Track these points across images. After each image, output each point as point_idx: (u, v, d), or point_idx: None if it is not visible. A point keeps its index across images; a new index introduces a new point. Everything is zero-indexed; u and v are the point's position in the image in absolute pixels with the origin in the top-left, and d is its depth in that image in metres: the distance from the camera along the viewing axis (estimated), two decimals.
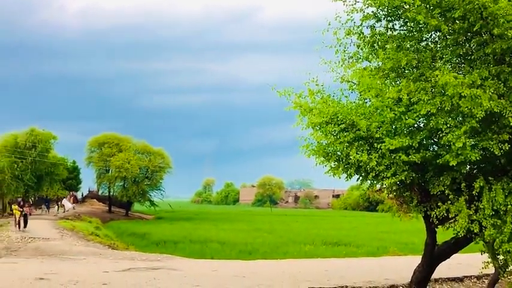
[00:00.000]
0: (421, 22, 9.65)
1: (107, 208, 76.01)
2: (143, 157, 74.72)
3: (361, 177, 10.70)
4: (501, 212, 9.35)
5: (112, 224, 57.48)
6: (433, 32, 10.16)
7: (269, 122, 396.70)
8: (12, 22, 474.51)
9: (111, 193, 76.95)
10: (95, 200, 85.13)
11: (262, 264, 19.03)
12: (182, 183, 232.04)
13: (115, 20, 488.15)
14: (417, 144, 9.69)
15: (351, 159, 10.04)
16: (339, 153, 10.60)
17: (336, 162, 10.69)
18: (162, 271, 15.32)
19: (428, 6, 9.48)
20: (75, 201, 73.14)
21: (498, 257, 10.14)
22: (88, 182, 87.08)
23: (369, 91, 10.23)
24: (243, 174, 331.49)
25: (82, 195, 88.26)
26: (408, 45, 10.34)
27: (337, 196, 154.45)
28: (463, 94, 8.69)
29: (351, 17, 10.51)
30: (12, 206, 41.10)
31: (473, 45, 9.60)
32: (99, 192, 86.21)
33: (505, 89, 9.05)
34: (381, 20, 10.50)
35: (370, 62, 10.89)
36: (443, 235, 11.72)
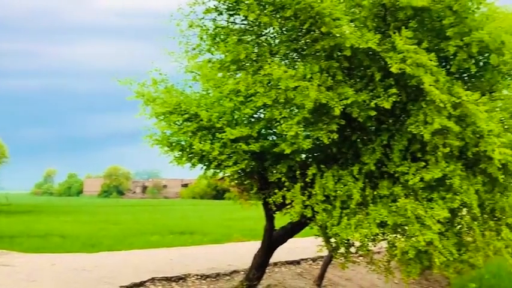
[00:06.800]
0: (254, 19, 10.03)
1: None
2: None
3: (204, 167, 10.89)
4: (331, 198, 9.97)
5: None
6: (271, 28, 10.58)
7: (113, 109, 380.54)
8: None
9: None
10: None
11: (105, 257, 18.57)
12: (21, 174, 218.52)
13: None
14: (256, 134, 10.09)
15: (194, 148, 10.18)
16: (182, 143, 10.69)
17: (180, 152, 10.77)
18: None
19: (262, 4, 9.88)
20: None
21: (330, 240, 10.74)
22: None
23: (208, 82, 10.48)
24: (87, 165, 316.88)
25: None
26: (248, 39, 10.67)
27: (186, 185, 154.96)
28: (293, 87, 9.27)
29: (193, 9, 10.59)
30: None
31: (307, 41, 10.18)
32: None
33: (333, 82, 9.71)
34: (222, 14, 10.65)
35: (212, 54, 11.06)
36: (281, 221, 12.28)
